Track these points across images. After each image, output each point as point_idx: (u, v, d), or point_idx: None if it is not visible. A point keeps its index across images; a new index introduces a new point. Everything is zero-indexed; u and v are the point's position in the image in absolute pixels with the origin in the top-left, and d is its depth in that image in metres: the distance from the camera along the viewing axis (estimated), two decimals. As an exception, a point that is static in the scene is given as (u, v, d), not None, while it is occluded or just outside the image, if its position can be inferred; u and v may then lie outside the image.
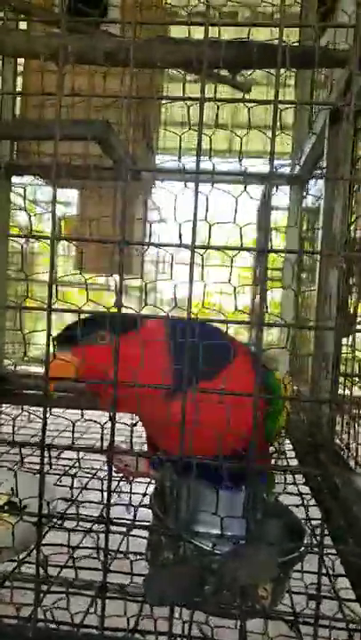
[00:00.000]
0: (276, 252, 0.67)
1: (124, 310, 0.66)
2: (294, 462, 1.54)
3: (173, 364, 0.84)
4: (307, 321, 1.90)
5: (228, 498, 0.78)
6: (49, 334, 0.63)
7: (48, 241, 0.67)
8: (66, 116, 2.26)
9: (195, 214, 0.61)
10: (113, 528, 0.65)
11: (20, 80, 2.52)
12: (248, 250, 0.63)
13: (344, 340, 1.44)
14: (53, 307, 0.65)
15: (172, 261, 0.77)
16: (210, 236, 0.68)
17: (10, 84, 2.44)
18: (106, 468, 1.38)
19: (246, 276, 2.78)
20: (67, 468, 1.32)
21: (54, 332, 0.72)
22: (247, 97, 2.37)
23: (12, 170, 2.45)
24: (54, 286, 0.66)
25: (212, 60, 1.05)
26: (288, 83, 2.63)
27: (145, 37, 1.36)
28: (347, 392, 1.40)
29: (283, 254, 2.25)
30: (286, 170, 2.35)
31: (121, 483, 1.30)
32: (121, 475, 1.29)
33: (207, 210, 0.67)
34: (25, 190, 2.85)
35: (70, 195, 3.05)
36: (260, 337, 0.63)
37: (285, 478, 1.38)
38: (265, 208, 2.22)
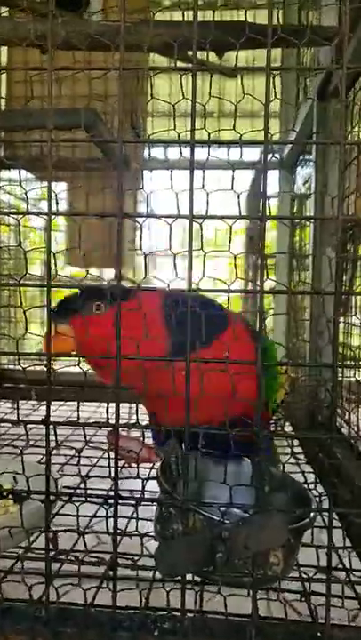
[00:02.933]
0: (274, 218, 0.67)
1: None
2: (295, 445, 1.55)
3: (169, 332, 0.85)
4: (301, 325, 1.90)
5: (234, 471, 0.79)
6: (49, 310, 0.63)
7: (39, 238, 0.66)
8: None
9: (191, 183, 0.61)
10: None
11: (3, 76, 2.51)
12: (246, 218, 0.63)
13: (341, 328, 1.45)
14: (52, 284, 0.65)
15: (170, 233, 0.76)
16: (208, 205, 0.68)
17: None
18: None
19: (240, 264, 2.79)
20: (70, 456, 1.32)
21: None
22: (233, 81, 2.38)
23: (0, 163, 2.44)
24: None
25: (202, 40, 1.05)
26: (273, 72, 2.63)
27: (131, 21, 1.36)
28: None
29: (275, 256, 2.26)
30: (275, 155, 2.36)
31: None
32: (124, 462, 1.30)
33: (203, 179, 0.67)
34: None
35: (59, 189, 3.04)
36: (262, 303, 0.63)
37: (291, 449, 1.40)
38: (262, 172, 2.23)
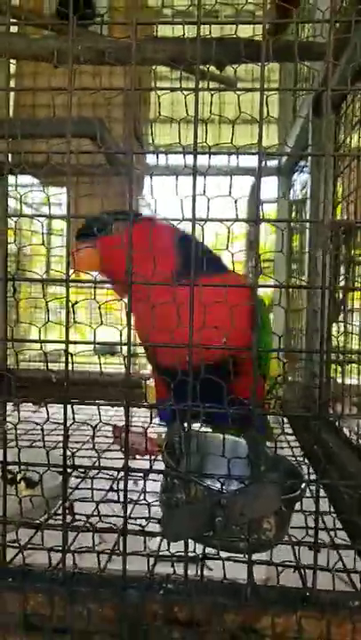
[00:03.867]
0: (269, 221, 0.75)
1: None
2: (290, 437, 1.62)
3: (179, 253, 0.95)
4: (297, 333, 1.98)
5: (231, 446, 0.87)
6: (67, 309, 0.70)
7: (39, 241, 0.74)
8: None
9: (194, 187, 0.69)
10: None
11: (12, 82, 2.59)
12: (243, 221, 0.71)
13: (334, 328, 1.52)
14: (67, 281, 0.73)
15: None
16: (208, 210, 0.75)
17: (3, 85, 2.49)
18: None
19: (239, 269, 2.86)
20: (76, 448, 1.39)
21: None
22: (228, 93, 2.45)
23: (6, 169, 2.52)
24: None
25: (205, 57, 1.13)
26: (273, 78, 2.72)
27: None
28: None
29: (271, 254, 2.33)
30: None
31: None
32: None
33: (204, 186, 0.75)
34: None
35: (61, 195, 3.12)
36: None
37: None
38: (257, 181, 2.31)
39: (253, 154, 0.75)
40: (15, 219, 2.98)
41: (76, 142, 2.39)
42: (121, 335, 0.73)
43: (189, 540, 0.70)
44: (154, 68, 2.97)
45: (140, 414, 1.97)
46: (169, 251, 0.98)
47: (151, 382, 1.94)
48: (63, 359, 0.74)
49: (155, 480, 1.15)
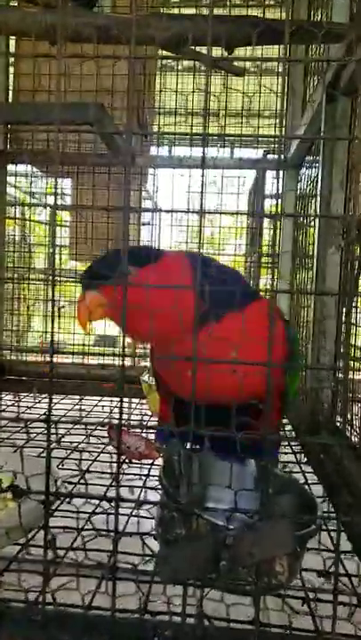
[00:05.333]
0: (273, 217, 0.65)
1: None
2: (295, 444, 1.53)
3: (200, 292, 0.81)
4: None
5: (238, 472, 0.77)
6: (53, 304, 0.61)
7: (44, 232, 0.65)
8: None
9: (202, 180, 0.59)
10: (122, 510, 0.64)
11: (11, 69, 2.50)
12: (251, 215, 0.62)
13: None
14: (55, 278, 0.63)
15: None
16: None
17: (2, 70, 2.40)
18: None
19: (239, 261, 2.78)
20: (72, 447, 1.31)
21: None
22: (239, 82, 2.36)
23: (6, 157, 2.42)
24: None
25: (215, 36, 1.03)
26: (279, 69, 2.62)
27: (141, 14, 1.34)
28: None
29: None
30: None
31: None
32: (124, 457, 1.28)
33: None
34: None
35: (65, 185, 3.03)
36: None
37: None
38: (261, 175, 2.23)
39: (272, 137, 0.65)
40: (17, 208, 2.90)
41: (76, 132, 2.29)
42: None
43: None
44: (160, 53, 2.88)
45: (137, 412, 1.89)
46: (189, 295, 0.85)
47: (150, 381, 1.86)
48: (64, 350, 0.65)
49: (154, 488, 1.07)
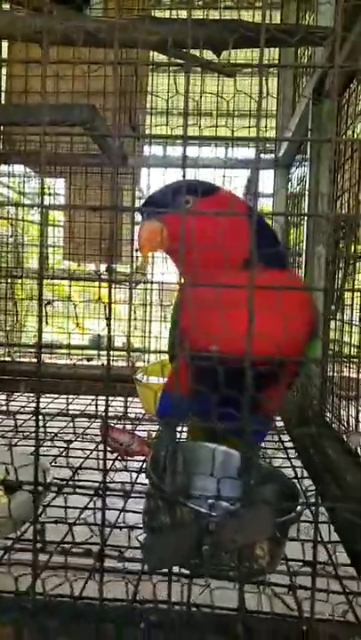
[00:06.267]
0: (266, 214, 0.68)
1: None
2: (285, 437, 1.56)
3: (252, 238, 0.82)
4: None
5: (223, 461, 0.80)
6: (40, 303, 0.63)
7: (37, 232, 0.66)
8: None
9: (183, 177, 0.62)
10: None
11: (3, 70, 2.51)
12: (235, 214, 0.64)
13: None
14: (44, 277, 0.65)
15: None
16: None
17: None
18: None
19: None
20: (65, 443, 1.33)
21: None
22: (231, 81, 2.38)
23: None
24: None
25: (197, 38, 1.05)
26: (271, 71, 2.64)
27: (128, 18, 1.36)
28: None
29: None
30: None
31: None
32: (117, 454, 1.30)
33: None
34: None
35: (58, 185, 3.05)
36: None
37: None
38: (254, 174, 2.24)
39: (250, 140, 0.67)
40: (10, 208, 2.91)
41: (69, 129, 2.31)
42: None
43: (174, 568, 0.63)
44: (152, 55, 2.90)
45: (129, 411, 1.91)
46: (244, 226, 0.85)
47: (144, 380, 1.88)
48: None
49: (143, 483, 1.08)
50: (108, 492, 0.68)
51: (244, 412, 0.62)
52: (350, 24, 1.08)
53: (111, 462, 1.27)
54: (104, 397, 0.65)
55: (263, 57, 0.70)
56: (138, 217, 3.03)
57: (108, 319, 0.65)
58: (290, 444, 1.48)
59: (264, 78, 0.74)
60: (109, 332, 0.63)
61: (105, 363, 0.64)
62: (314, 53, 1.63)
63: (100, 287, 3.00)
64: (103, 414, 0.64)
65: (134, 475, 1.18)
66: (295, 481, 1.18)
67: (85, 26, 1.19)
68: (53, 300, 2.88)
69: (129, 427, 1.64)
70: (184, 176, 0.64)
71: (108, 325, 0.62)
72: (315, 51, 1.58)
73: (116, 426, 1.50)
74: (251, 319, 0.55)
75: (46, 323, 2.75)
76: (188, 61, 0.64)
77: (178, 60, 1.09)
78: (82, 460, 1.27)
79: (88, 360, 2.48)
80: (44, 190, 0.63)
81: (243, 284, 0.58)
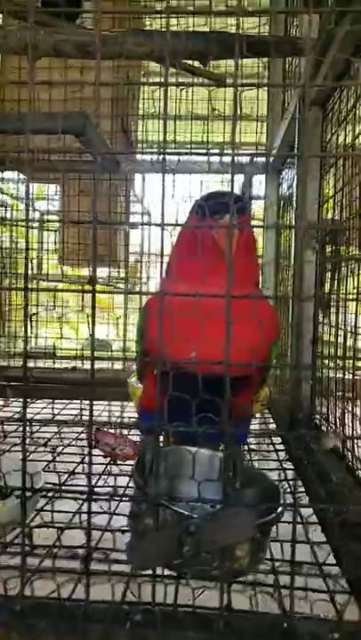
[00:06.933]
0: (256, 227, 0.70)
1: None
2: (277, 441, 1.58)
3: None
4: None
5: (208, 465, 0.82)
6: (26, 313, 0.66)
7: (35, 238, 0.69)
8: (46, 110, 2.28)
9: (163, 192, 0.64)
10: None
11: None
12: (210, 226, 0.67)
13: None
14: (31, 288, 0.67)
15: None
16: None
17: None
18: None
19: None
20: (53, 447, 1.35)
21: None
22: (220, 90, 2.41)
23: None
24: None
25: (176, 51, 1.07)
26: (263, 74, 2.67)
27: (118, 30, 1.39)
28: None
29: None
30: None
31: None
32: (109, 458, 1.32)
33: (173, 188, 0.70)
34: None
35: (52, 190, 3.08)
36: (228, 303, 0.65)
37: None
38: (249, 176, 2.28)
39: (226, 155, 0.69)
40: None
41: (64, 138, 2.34)
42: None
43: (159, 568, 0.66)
44: (145, 64, 2.93)
45: (122, 414, 1.93)
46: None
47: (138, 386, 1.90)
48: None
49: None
50: (95, 497, 0.70)
51: (223, 417, 0.64)
52: (335, 28, 1.10)
53: (104, 466, 1.29)
54: (102, 402, 0.67)
55: (251, 66, 0.73)
56: (134, 217, 3.07)
57: (92, 328, 0.67)
58: (281, 447, 1.50)
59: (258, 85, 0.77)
60: (92, 342, 0.65)
61: (109, 365, 0.66)
62: (300, 62, 1.66)
63: (92, 292, 3.02)
64: (92, 419, 0.66)
65: (127, 479, 1.21)
66: (284, 482, 1.21)
67: (74, 39, 1.22)
68: (39, 312, 2.91)
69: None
70: (163, 181, 0.66)
71: (92, 336, 0.65)
72: (300, 59, 1.61)
73: (111, 430, 1.51)
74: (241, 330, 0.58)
75: (31, 328, 2.77)
76: (167, 68, 0.66)
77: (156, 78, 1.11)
78: (75, 464, 1.29)
79: (74, 370, 2.51)
80: (28, 198, 0.65)
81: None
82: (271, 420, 1.80)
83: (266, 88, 2.39)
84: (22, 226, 3.10)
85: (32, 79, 0.73)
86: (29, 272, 3.09)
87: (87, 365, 2.66)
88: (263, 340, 0.73)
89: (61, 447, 1.39)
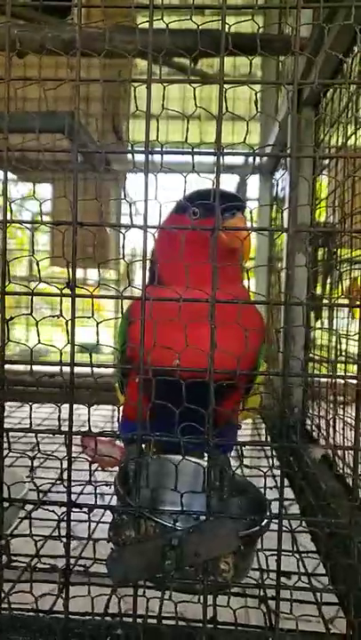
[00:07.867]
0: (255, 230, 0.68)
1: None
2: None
3: None
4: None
5: (193, 475, 0.80)
6: (3, 319, 0.63)
7: (27, 238, 0.67)
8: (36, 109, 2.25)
9: (145, 193, 0.62)
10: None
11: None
12: (197, 228, 0.65)
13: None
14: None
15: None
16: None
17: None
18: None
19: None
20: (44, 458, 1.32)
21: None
22: (215, 90, 2.38)
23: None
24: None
25: (162, 47, 1.05)
26: (257, 73, 2.65)
27: (107, 26, 1.36)
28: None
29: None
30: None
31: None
32: (96, 465, 1.30)
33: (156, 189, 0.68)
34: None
35: (44, 191, 3.05)
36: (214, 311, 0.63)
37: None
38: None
39: (212, 154, 0.68)
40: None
41: (53, 138, 2.32)
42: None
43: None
44: (137, 62, 2.90)
45: (109, 420, 1.90)
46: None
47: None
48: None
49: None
50: (75, 508, 0.68)
51: (208, 426, 0.62)
52: (325, 28, 1.08)
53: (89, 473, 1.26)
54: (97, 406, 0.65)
55: (223, 61, 0.71)
56: (126, 219, 3.04)
57: (72, 333, 0.65)
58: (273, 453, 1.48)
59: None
60: (72, 348, 0.63)
61: (114, 366, 0.64)
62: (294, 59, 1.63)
63: (72, 296, 3.00)
64: (72, 425, 0.64)
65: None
66: (275, 490, 1.19)
67: (62, 36, 1.20)
68: (17, 316, 2.86)
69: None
70: (146, 188, 0.65)
71: (72, 343, 0.63)
72: (293, 58, 1.59)
73: (100, 437, 1.49)
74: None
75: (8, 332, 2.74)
76: (150, 64, 0.65)
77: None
78: (60, 471, 1.26)
79: (50, 377, 2.46)
80: (6, 206, 0.63)
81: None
82: (263, 427, 1.78)
83: (260, 88, 2.38)
84: (15, 225, 3.07)
85: (9, 76, 0.71)
86: (23, 274, 3.06)
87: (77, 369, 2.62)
88: (249, 344, 0.70)
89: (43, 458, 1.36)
